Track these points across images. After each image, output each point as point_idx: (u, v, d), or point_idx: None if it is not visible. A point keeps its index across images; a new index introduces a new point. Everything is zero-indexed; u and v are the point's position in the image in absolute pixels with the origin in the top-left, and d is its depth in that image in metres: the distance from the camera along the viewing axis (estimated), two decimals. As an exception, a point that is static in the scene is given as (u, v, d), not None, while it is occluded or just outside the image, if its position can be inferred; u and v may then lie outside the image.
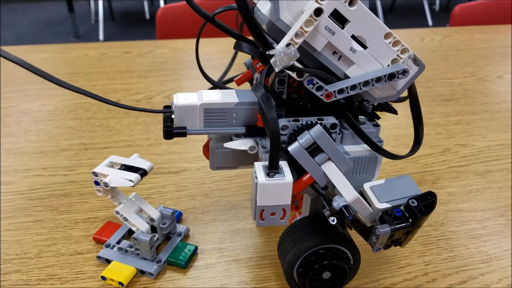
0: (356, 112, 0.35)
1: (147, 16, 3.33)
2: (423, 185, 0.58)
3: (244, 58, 0.42)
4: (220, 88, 0.42)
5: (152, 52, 1.04)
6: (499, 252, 0.47)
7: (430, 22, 3.22)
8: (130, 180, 0.41)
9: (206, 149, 0.41)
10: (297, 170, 0.34)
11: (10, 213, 0.52)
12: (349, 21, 0.30)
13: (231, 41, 0.38)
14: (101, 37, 2.92)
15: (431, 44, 1.12)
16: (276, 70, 0.29)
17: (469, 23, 1.33)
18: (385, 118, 0.74)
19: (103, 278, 0.43)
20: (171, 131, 0.35)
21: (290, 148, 0.32)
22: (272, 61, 0.29)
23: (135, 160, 0.44)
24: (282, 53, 0.28)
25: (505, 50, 1.09)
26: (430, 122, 0.75)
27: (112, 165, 0.43)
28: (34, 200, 0.54)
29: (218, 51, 1.04)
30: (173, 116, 0.37)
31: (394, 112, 0.39)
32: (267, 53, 0.29)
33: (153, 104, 0.80)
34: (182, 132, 0.36)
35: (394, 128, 0.72)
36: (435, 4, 3.59)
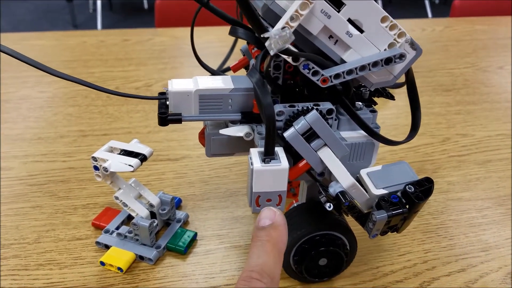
0: (353, 97, 0.35)
1: (146, 5, 3.30)
2: (423, 174, 0.58)
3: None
4: (217, 74, 0.41)
5: (151, 40, 1.03)
6: (499, 241, 0.47)
7: (429, 15, 3.21)
8: (129, 165, 0.41)
9: (201, 136, 0.40)
10: (294, 156, 0.34)
11: (9, 198, 0.52)
12: (345, 4, 0.30)
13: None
14: (99, 26, 2.90)
15: (432, 35, 1.12)
16: (271, 53, 0.28)
17: (469, 14, 1.33)
18: (385, 107, 0.74)
19: (102, 263, 0.43)
20: (166, 118, 0.35)
21: (286, 134, 0.32)
22: (267, 44, 0.28)
23: (135, 146, 0.43)
24: (277, 36, 0.28)
25: (506, 41, 1.08)
26: (430, 111, 0.74)
27: (111, 150, 0.43)
28: (33, 186, 0.54)
29: (218, 39, 1.03)
30: (168, 102, 0.36)
31: (392, 97, 0.39)
32: (261, 36, 0.28)
33: (152, 91, 0.79)
34: (177, 119, 0.35)
35: (394, 118, 0.72)
36: (435, -4, 3.57)
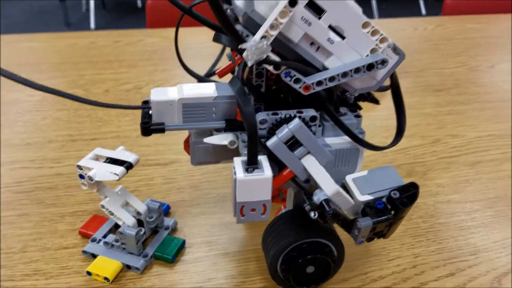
0: (336, 103, 0.34)
1: (139, 4, 3.28)
2: (413, 176, 0.58)
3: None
4: (202, 80, 0.41)
5: (142, 41, 1.02)
6: (488, 244, 0.47)
7: (423, 12, 3.21)
8: (115, 174, 0.40)
9: (186, 144, 0.40)
10: (278, 164, 0.33)
11: (-5, 206, 0.51)
12: (326, 11, 0.29)
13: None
14: (92, 25, 2.88)
15: (424, 34, 1.11)
16: (249, 64, 0.28)
17: (461, 12, 1.33)
18: (376, 109, 0.74)
19: (89, 273, 0.42)
20: (148, 128, 0.35)
21: (269, 143, 0.32)
22: (244, 55, 0.28)
23: (121, 153, 0.43)
24: (253, 47, 0.27)
25: (497, 39, 1.08)
26: (421, 112, 0.74)
27: (97, 158, 0.43)
28: (20, 194, 0.53)
29: (210, 40, 1.02)
30: (151, 111, 0.35)
31: (376, 102, 0.38)
32: (239, 47, 0.28)
33: (143, 93, 0.79)
34: (160, 128, 0.35)
35: (384, 119, 0.71)
36: (429, -7, 3.57)
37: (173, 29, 1.08)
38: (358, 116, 0.36)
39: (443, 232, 0.49)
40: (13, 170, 0.57)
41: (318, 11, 0.29)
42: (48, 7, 3.26)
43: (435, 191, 0.55)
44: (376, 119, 0.71)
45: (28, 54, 0.94)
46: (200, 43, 1.00)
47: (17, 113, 0.71)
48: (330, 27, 0.30)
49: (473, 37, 1.10)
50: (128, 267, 0.43)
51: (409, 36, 1.10)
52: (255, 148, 0.31)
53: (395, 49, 0.32)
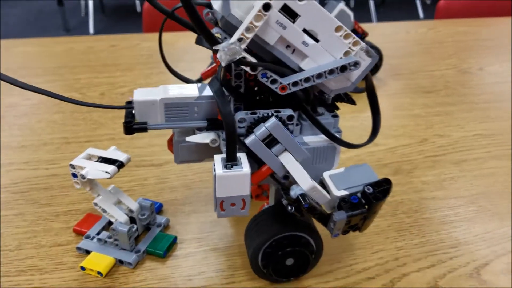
0: (314, 103, 0.36)
1: (138, 8, 3.31)
2: (400, 174, 0.59)
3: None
4: (186, 81, 0.42)
5: (139, 45, 1.04)
6: (469, 237, 0.49)
7: (421, 15, 3.24)
8: (106, 172, 0.42)
9: (170, 143, 0.41)
10: (258, 162, 0.35)
11: (-8, 206, 0.53)
12: (300, 15, 0.31)
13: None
14: (91, 30, 2.90)
15: (416, 37, 1.13)
16: (223, 64, 0.30)
17: (454, 15, 1.35)
18: (364, 110, 0.76)
19: (83, 268, 0.44)
20: (131, 127, 0.36)
21: (247, 141, 0.33)
22: (218, 56, 0.30)
23: (113, 153, 0.44)
24: (225, 48, 0.29)
25: (488, 42, 1.10)
26: (410, 113, 0.76)
27: (89, 157, 0.44)
28: (16, 194, 0.55)
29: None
30: (134, 111, 0.37)
31: (353, 102, 0.40)
32: (213, 48, 0.30)
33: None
34: (143, 128, 0.36)
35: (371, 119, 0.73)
36: (426, -4, 3.60)
37: (169, 34, 1.11)
38: (335, 116, 0.37)
39: (426, 226, 0.51)
40: (10, 172, 0.59)
41: (292, 15, 0.31)
42: (46, 11, 3.29)
43: (420, 188, 0.57)
44: (363, 120, 0.73)
45: (24, 59, 0.96)
46: (196, 47, 1.01)
47: (14, 117, 0.73)
48: (305, 30, 0.32)
49: (464, 40, 1.12)
50: (121, 262, 0.45)
51: (402, 39, 1.12)
52: (234, 145, 0.32)
53: (368, 52, 0.33)
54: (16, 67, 0.91)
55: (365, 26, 1.01)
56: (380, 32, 1.17)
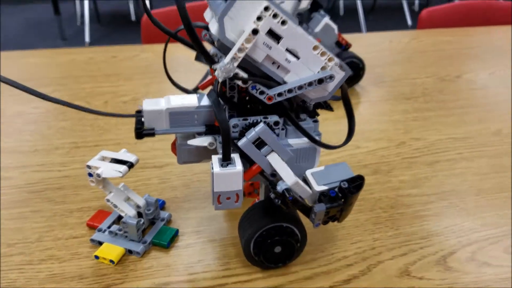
0: (297, 111, 0.42)
1: (133, 17, 3.37)
2: (379, 174, 0.66)
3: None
4: (187, 92, 0.49)
5: (138, 56, 1.10)
6: (439, 229, 0.55)
7: (409, 22, 3.32)
8: (119, 171, 0.48)
9: (173, 146, 0.48)
10: (249, 161, 0.41)
11: (10, 204, 0.58)
12: (283, 37, 0.37)
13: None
14: (87, 39, 2.96)
15: (399, 46, 1.20)
16: (220, 80, 0.36)
17: (437, 25, 1.42)
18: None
19: (96, 257, 0.50)
20: (141, 132, 0.42)
21: (240, 143, 0.40)
22: (215, 73, 0.36)
23: (123, 154, 0.50)
24: (222, 67, 0.35)
25: (468, 51, 1.17)
26: (390, 119, 0.82)
27: (103, 158, 0.50)
28: (32, 193, 0.60)
29: (200, 54, 1.10)
30: (143, 119, 0.43)
31: (330, 109, 0.46)
32: (212, 67, 0.36)
33: (140, 104, 0.86)
34: (151, 133, 0.42)
35: (357, 124, 0.79)
36: (414, 5, 3.69)
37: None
38: (316, 121, 0.44)
39: (400, 220, 0.57)
40: (25, 173, 0.65)
41: (276, 38, 0.37)
42: (43, 20, 3.34)
43: (397, 186, 0.63)
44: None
45: (31, 70, 1.01)
46: (192, 59, 1.08)
47: (24, 124, 0.78)
48: (287, 49, 0.38)
49: (445, 49, 1.19)
50: (130, 251, 0.51)
51: (385, 48, 1.19)
52: (228, 147, 0.39)
53: (341, 67, 0.40)
54: (24, 78, 0.96)
55: (351, 36, 1.08)
56: (366, 42, 1.24)
